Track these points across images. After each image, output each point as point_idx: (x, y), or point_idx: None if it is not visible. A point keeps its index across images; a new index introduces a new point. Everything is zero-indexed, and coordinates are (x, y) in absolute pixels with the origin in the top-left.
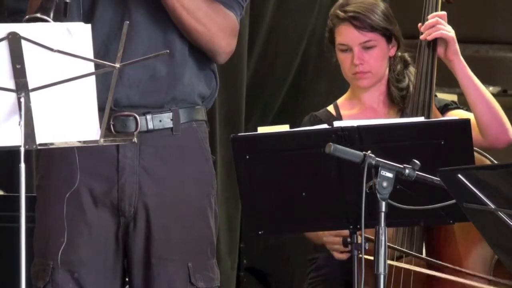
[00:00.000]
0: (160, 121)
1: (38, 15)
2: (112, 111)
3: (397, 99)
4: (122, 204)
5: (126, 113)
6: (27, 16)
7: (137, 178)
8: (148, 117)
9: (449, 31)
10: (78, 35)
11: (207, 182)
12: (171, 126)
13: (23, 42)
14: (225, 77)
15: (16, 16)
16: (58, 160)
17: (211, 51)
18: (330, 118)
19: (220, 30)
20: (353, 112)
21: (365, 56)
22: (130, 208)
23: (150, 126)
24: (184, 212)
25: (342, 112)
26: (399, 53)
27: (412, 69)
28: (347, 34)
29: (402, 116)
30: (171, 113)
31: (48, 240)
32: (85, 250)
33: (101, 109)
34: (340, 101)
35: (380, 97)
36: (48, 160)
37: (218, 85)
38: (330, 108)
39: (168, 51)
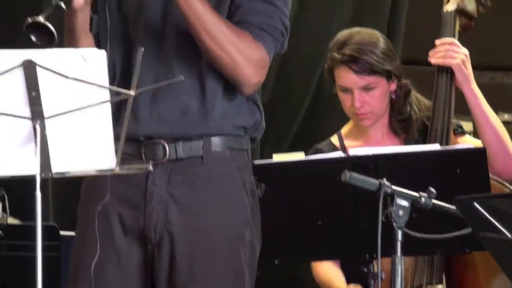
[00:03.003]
0: (190, 149)
1: (42, 20)
2: (142, 142)
3: (400, 130)
4: (148, 232)
5: (155, 140)
6: (29, 21)
7: (164, 206)
8: (178, 145)
9: (454, 58)
10: (93, 62)
11: (237, 212)
12: (201, 154)
13: (38, 69)
14: None
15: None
16: (92, 184)
17: (235, 81)
18: (333, 151)
19: (245, 60)
20: (357, 144)
21: (365, 98)
22: (156, 236)
23: (180, 155)
24: (210, 241)
25: (346, 143)
26: (401, 81)
27: (416, 94)
28: (345, 78)
29: (406, 144)
30: (202, 141)
31: (79, 265)
32: (112, 277)
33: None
34: (344, 130)
35: (383, 129)
36: (84, 184)
37: (263, 116)
38: (334, 139)
39: (183, 77)
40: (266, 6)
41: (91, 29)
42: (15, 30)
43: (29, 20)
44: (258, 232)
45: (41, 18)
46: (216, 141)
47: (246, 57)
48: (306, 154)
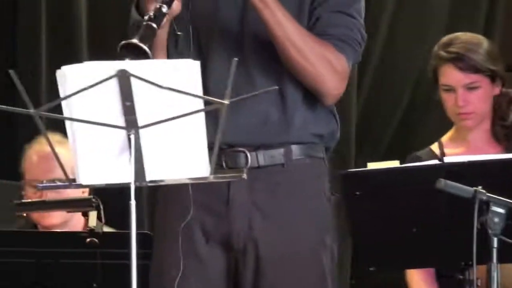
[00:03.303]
0: (271, 157)
1: (137, 41)
2: (223, 150)
3: (502, 138)
4: (231, 239)
5: (237, 149)
6: (123, 42)
7: (247, 213)
8: (259, 153)
9: None
10: (187, 72)
11: (320, 219)
12: (283, 162)
13: (132, 79)
14: None
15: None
16: (172, 195)
17: (318, 92)
18: (432, 159)
19: (329, 72)
20: (457, 151)
21: (469, 97)
22: (239, 243)
23: (261, 162)
24: (294, 247)
25: (447, 151)
26: (503, 90)
27: None
28: (450, 75)
29: (507, 153)
30: (282, 149)
31: (162, 274)
32: (197, 285)
33: (210, 148)
34: (444, 139)
35: (484, 136)
36: (163, 196)
37: (338, 125)
38: (434, 147)
39: (277, 87)
40: (345, 18)
41: (176, 47)
42: (108, 53)
43: (124, 42)
44: (335, 237)
45: (135, 40)
46: (296, 149)
47: (329, 69)
48: (405, 161)
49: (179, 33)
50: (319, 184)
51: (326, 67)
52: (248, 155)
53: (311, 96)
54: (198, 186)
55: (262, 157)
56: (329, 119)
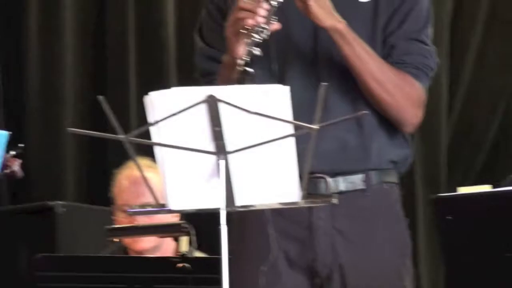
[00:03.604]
0: (351, 182)
1: (248, 69)
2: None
3: None
4: (316, 266)
5: (317, 175)
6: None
7: (331, 239)
8: (340, 178)
9: None
10: (275, 97)
11: (401, 243)
12: (363, 187)
13: (220, 104)
14: (424, 137)
15: (209, 77)
16: (251, 223)
17: (398, 121)
18: None
19: (408, 101)
20: None
21: None
22: (325, 269)
23: (342, 188)
24: (379, 272)
25: None
26: None
27: None
28: None
29: None
30: (362, 175)
31: None
32: None
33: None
34: None
35: None
36: (240, 223)
37: (411, 151)
38: None
39: (368, 111)
40: (419, 45)
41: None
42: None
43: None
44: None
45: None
46: (374, 175)
47: (408, 98)
48: (500, 185)
49: (257, 52)
50: (397, 209)
51: (405, 97)
52: (328, 181)
53: (386, 122)
54: (279, 213)
55: (342, 183)
56: (403, 144)
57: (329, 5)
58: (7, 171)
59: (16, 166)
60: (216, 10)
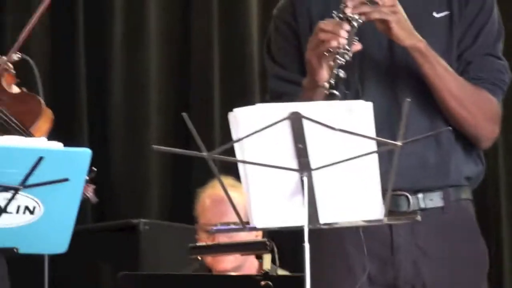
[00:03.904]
0: (431, 200)
1: (334, 91)
2: (384, 193)
3: None
4: (398, 283)
5: (398, 192)
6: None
7: (412, 257)
8: (420, 196)
9: None
10: (359, 113)
11: (480, 259)
12: (442, 205)
13: (304, 121)
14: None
15: (279, 99)
16: (328, 240)
17: (475, 137)
18: None
19: (485, 117)
20: None
21: None
22: (407, 287)
23: (422, 205)
24: None
25: None
26: None
27: None
28: None
29: None
30: (441, 192)
31: None
32: None
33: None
34: None
35: None
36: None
37: (484, 167)
38: None
39: (450, 128)
40: (495, 61)
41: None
42: None
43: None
44: None
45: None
46: (452, 191)
47: (486, 114)
48: None
49: (342, 75)
50: (475, 226)
51: (483, 113)
52: (410, 198)
53: (463, 138)
54: (358, 230)
55: (423, 200)
56: (477, 161)
57: (409, 25)
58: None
59: (89, 192)
60: (286, 28)
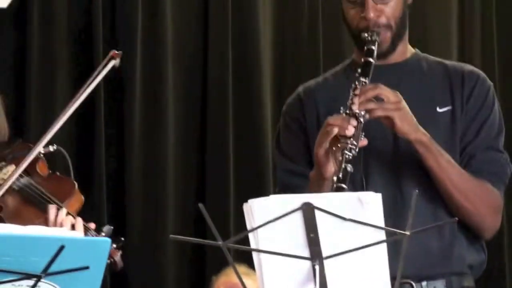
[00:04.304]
0: (434, 287)
1: (342, 185)
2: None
3: None
4: None
5: (403, 280)
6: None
7: None
8: (424, 283)
9: None
10: (369, 204)
11: None
12: None
13: (316, 212)
14: None
15: (288, 191)
16: None
17: (478, 228)
18: None
19: (488, 209)
20: None
21: None
22: None
23: None
24: None
25: None
26: None
27: None
28: None
29: None
30: (444, 280)
31: None
32: None
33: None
34: None
35: None
36: None
37: (486, 257)
38: None
39: (456, 219)
40: (497, 155)
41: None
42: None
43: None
44: None
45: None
46: (455, 280)
47: (488, 207)
48: None
49: (349, 169)
50: None
51: (485, 205)
52: (414, 286)
53: (465, 227)
54: None
55: None
56: (479, 250)
57: (413, 120)
58: (109, 260)
59: (117, 257)
60: (294, 123)
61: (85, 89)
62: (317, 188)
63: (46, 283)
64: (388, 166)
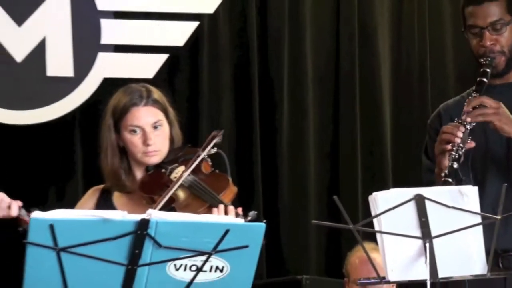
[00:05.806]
0: None
1: (448, 179)
2: (499, 254)
3: None
4: None
5: (510, 253)
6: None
7: None
8: None
9: None
10: (468, 195)
11: None
12: None
13: (426, 201)
14: None
15: (429, 185)
16: None
17: None
18: None
19: None
20: None
21: None
22: None
23: None
24: None
25: None
26: None
27: None
28: None
29: None
30: None
31: None
32: None
33: (487, 252)
34: None
35: None
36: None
37: None
38: None
39: None
40: None
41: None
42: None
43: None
44: None
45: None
46: None
47: None
48: None
49: (455, 166)
50: None
51: None
52: None
53: None
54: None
55: None
56: None
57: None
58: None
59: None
60: (434, 132)
61: (195, 160)
62: (438, 179)
63: (215, 258)
64: (501, 165)
